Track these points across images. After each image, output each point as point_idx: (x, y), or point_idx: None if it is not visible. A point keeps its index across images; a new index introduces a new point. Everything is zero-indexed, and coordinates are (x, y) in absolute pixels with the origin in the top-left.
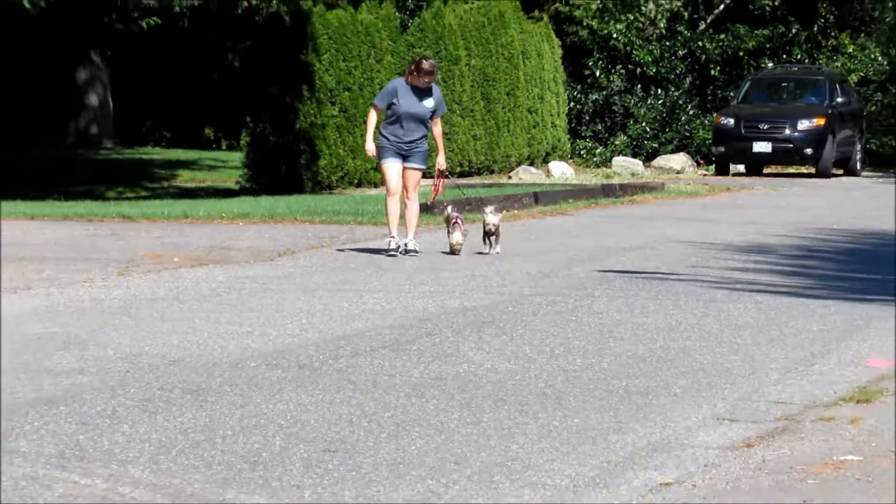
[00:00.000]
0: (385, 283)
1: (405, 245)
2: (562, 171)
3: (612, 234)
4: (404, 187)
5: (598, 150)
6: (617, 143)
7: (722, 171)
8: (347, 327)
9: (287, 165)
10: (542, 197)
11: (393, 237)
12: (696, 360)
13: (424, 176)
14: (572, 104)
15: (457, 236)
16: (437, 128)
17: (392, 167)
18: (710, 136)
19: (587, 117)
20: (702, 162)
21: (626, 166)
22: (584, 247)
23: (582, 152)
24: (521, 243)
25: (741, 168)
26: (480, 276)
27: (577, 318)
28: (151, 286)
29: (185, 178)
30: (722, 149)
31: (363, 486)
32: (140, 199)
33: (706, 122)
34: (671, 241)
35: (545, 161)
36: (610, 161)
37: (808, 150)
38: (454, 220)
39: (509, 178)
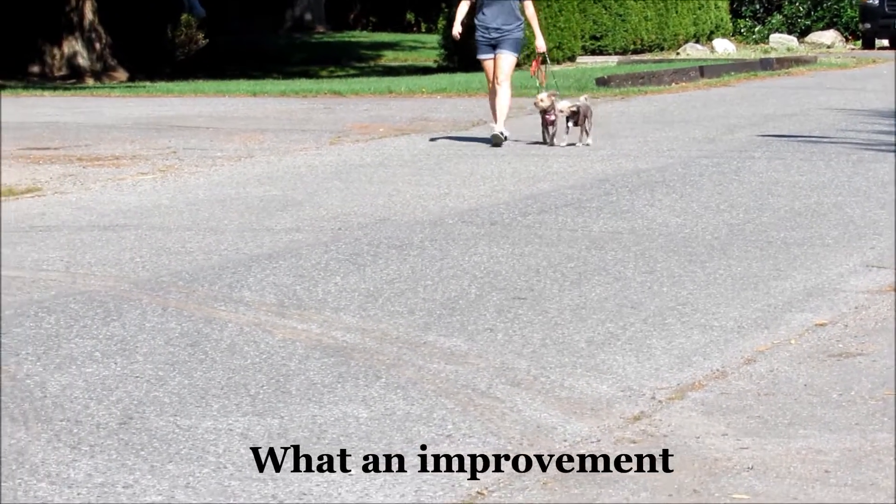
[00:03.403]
0: (566, 149)
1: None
2: (724, 47)
3: (770, 102)
4: (495, 75)
5: (756, 28)
6: (773, 21)
7: (868, 45)
8: (534, 188)
9: None
10: (706, 70)
11: (498, 125)
12: (846, 214)
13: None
14: None
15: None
16: (529, 9)
17: (486, 63)
18: (856, 15)
19: None
20: (850, 37)
21: (781, 42)
22: (745, 114)
23: (742, 30)
24: (688, 112)
25: (885, 42)
26: (652, 142)
27: (739, 177)
28: (359, 153)
29: (389, 58)
30: (868, 25)
31: (549, 328)
32: (349, 77)
33: (853, 1)
34: (823, 108)
35: (709, 38)
36: (767, 38)
37: None
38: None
39: (677, 54)
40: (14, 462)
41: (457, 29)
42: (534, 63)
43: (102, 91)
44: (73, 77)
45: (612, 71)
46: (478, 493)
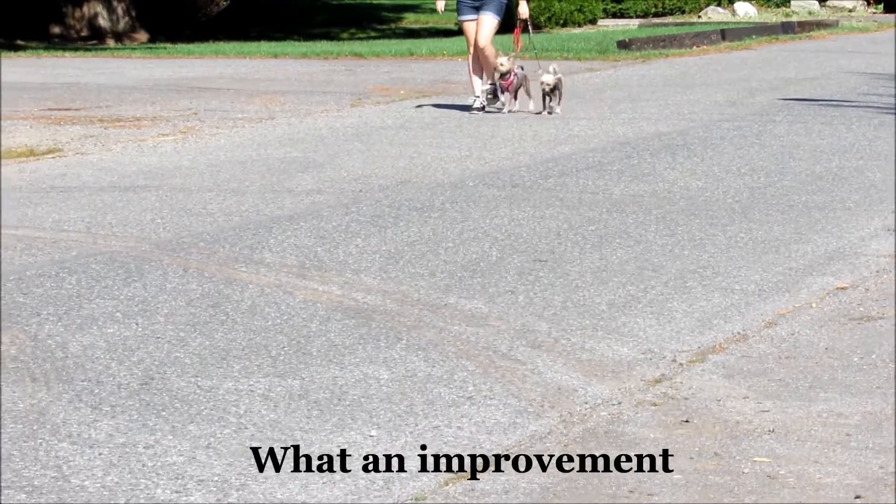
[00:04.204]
0: (588, 112)
1: (473, 101)
2: (745, 10)
3: (791, 66)
4: (476, 38)
5: None
6: None
7: (889, 8)
8: (555, 151)
9: None
10: (728, 34)
11: (477, 97)
12: (867, 178)
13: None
14: None
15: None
16: None
17: (468, 25)
18: None
19: None
20: (871, 1)
21: (803, 6)
22: (766, 78)
23: None
24: (709, 75)
25: None
26: (673, 105)
27: (760, 141)
28: (380, 116)
29: (410, 20)
30: None
31: (570, 291)
32: (370, 39)
33: None
34: (844, 72)
35: (731, 2)
36: (788, 1)
37: None
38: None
39: (699, 17)
40: (35, 422)
41: (440, 4)
42: (516, 30)
43: (123, 52)
44: (94, 38)
45: (633, 34)
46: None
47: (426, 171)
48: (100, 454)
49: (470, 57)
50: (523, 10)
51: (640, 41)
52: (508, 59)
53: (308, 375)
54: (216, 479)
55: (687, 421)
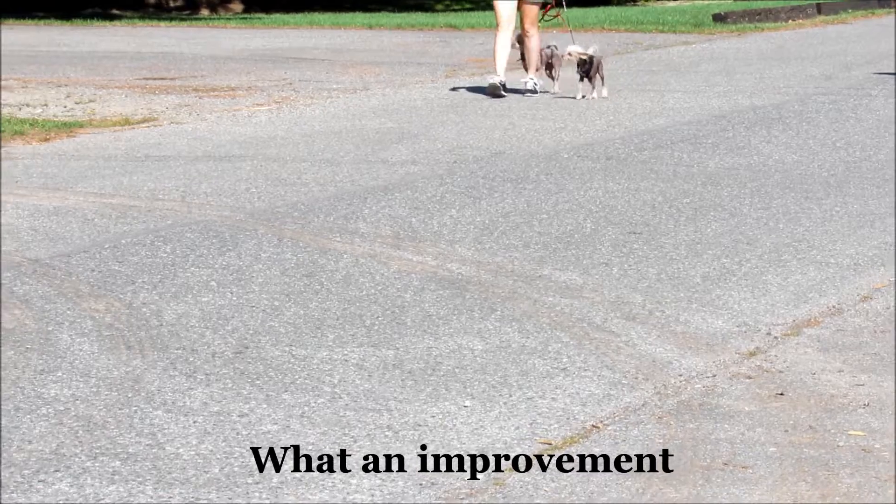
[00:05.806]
0: (683, 84)
1: (524, 83)
2: None
3: (887, 40)
4: (521, 23)
5: None
6: None
7: None
8: (649, 123)
9: None
10: (823, 8)
11: (497, 75)
12: None
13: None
14: None
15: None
16: None
17: (501, 4)
18: None
19: None
20: None
21: None
22: (862, 52)
23: None
24: (805, 49)
25: None
26: (769, 79)
27: (856, 115)
28: (475, 87)
29: None
30: None
31: (665, 263)
32: (464, 11)
33: None
34: None
35: None
36: None
37: None
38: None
39: None
40: (130, 390)
41: None
42: (547, 7)
43: (218, 22)
44: (189, 8)
45: (728, 7)
46: (593, 426)
47: (520, 143)
48: (194, 422)
49: (497, 34)
50: None
51: (736, 15)
52: (581, 46)
53: (402, 345)
54: (310, 447)
55: (781, 394)
